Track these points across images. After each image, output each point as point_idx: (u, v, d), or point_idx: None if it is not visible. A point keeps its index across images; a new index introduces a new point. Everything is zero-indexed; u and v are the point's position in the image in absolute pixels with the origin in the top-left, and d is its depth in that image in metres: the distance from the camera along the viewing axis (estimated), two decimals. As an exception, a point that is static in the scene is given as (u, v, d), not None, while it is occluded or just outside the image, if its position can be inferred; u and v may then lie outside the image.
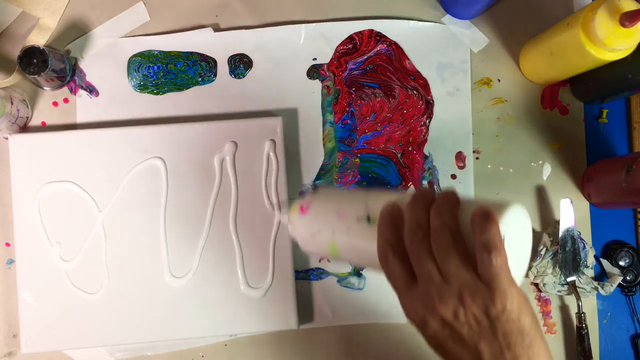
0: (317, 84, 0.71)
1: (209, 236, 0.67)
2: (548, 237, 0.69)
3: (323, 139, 0.70)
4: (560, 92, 0.72)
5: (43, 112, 0.69)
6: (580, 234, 0.70)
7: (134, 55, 0.70)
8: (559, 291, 0.69)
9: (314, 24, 0.70)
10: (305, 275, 0.69)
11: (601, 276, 0.71)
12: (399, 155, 0.71)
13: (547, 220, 0.71)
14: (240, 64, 0.70)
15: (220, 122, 0.68)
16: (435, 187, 0.70)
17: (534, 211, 0.71)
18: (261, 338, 0.68)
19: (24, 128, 0.69)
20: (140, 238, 0.67)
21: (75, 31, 0.69)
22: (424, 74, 0.71)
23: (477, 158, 0.71)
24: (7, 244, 0.68)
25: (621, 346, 0.70)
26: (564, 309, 0.70)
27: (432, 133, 0.71)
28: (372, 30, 0.71)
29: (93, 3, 0.70)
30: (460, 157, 0.71)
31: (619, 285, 0.70)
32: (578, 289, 0.68)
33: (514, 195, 0.71)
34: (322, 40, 0.71)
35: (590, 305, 0.70)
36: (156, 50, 0.70)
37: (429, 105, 0.71)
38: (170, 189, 0.67)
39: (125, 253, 0.66)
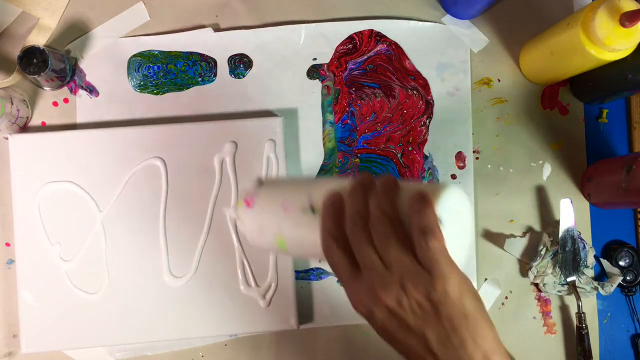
0: (317, 84, 0.71)
1: (209, 236, 0.67)
2: (548, 237, 0.69)
3: (323, 139, 0.70)
4: (560, 92, 0.72)
5: (43, 112, 0.69)
6: (580, 234, 0.70)
7: (134, 55, 0.70)
8: (559, 291, 0.69)
9: (314, 24, 0.70)
10: (305, 275, 0.69)
11: (601, 276, 0.71)
12: (399, 155, 0.71)
13: (547, 220, 0.71)
14: (240, 64, 0.70)
15: (220, 122, 0.68)
16: (435, 187, 0.70)
17: (534, 211, 0.71)
18: (261, 338, 0.68)
19: (24, 128, 0.69)
20: (140, 238, 0.67)
21: (75, 31, 0.69)
22: (424, 74, 0.71)
23: (477, 158, 0.71)
24: (7, 244, 0.68)
25: (621, 346, 0.70)
26: (564, 309, 0.70)
27: (432, 133, 0.71)
28: (372, 30, 0.71)
29: (93, 3, 0.70)
30: (460, 157, 0.71)
31: (619, 285, 0.70)
32: (578, 289, 0.68)
33: (514, 195, 0.71)
34: (322, 40, 0.71)
35: (590, 305, 0.70)
36: (156, 50, 0.70)
37: (429, 105, 0.71)
38: (170, 189, 0.67)
39: (125, 253, 0.66)
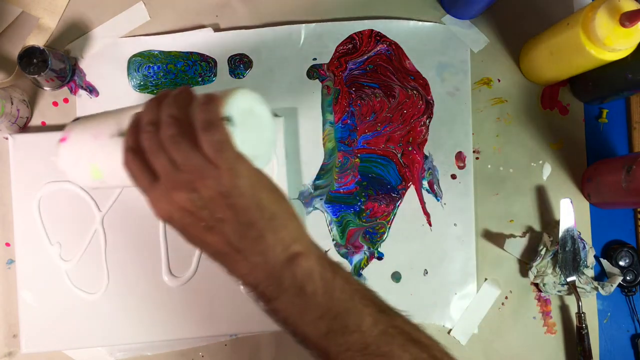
0: (317, 84, 0.71)
1: (209, 236, 0.67)
2: (548, 237, 0.69)
3: (323, 139, 0.70)
4: (560, 92, 0.72)
5: (43, 112, 0.69)
6: (580, 234, 0.70)
7: (134, 55, 0.70)
8: (559, 291, 0.69)
9: (314, 24, 0.70)
10: (305, 275, 0.69)
11: (601, 276, 0.71)
12: (399, 155, 0.71)
13: (547, 220, 0.71)
14: (240, 64, 0.70)
15: (220, 122, 0.68)
16: (435, 187, 0.70)
17: (534, 211, 0.71)
18: (261, 338, 0.68)
19: (24, 128, 0.69)
20: (139, 238, 0.67)
21: (75, 31, 0.69)
22: (424, 74, 0.71)
23: (477, 158, 0.71)
24: (7, 244, 0.68)
25: (621, 346, 0.70)
26: (564, 309, 0.70)
27: (432, 133, 0.71)
28: (372, 30, 0.71)
29: (93, 3, 0.70)
30: (460, 157, 0.71)
31: (619, 285, 0.70)
32: (578, 289, 0.68)
33: (514, 195, 0.71)
34: (322, 40, 0.71)
35: (590, 305, 0.70)
36: (156, 50, 0.70)
37: (429, 105, 0.71)
38: (170, 189, 0.67)
39: (125, 253, 0.66)
